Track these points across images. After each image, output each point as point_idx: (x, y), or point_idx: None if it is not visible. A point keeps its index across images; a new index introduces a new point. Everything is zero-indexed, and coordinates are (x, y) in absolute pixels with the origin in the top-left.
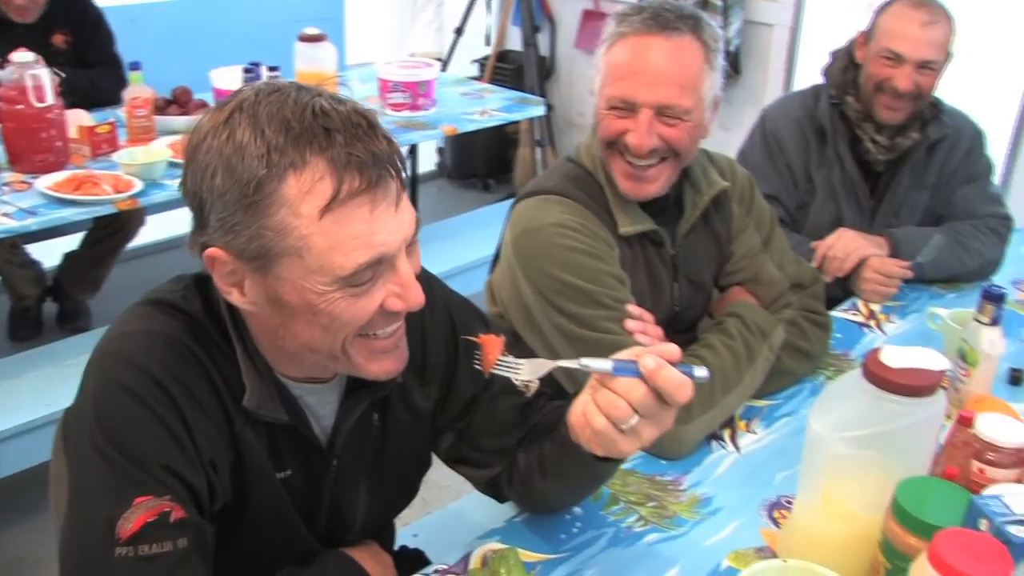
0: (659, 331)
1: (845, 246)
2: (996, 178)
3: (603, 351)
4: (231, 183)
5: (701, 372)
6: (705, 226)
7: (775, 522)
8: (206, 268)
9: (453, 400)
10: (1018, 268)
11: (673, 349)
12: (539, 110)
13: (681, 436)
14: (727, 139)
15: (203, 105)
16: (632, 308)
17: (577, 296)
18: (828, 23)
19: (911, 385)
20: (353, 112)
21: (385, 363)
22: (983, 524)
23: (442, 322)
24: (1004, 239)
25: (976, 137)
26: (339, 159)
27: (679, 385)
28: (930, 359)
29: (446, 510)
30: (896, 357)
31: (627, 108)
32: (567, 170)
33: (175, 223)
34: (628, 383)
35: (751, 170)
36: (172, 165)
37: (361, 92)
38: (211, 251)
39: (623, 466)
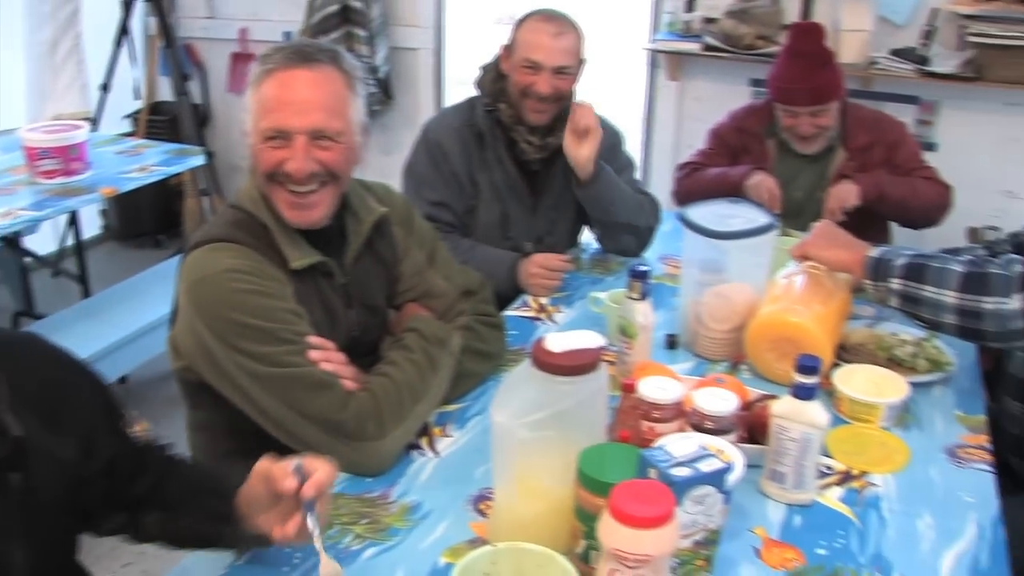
0: (341, 357)
1: None
2: (638, 173)
3: (291, 384)
4: None
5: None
6: (371, 252)
7: (482, 513)
8: None
9: (94, 455)
10: (665, 245)
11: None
12: (199, 159)
13: (380, 451)
14: (389, 163)
15: None
16: (313, 339)
17: (258, 336)
18: (469, 42)
19: (573, 365)
20: None
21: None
22: (652, 473)
23: (88, 380)
24: (657, 209)
25: (616, 137)
26: None
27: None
28: (587, 339)
29: None
30: (558, 343)
31: (282, 137)
32: (230, 216)
33: None
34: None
35: (418, 180)
36: None
37: (4, 163)
38: None
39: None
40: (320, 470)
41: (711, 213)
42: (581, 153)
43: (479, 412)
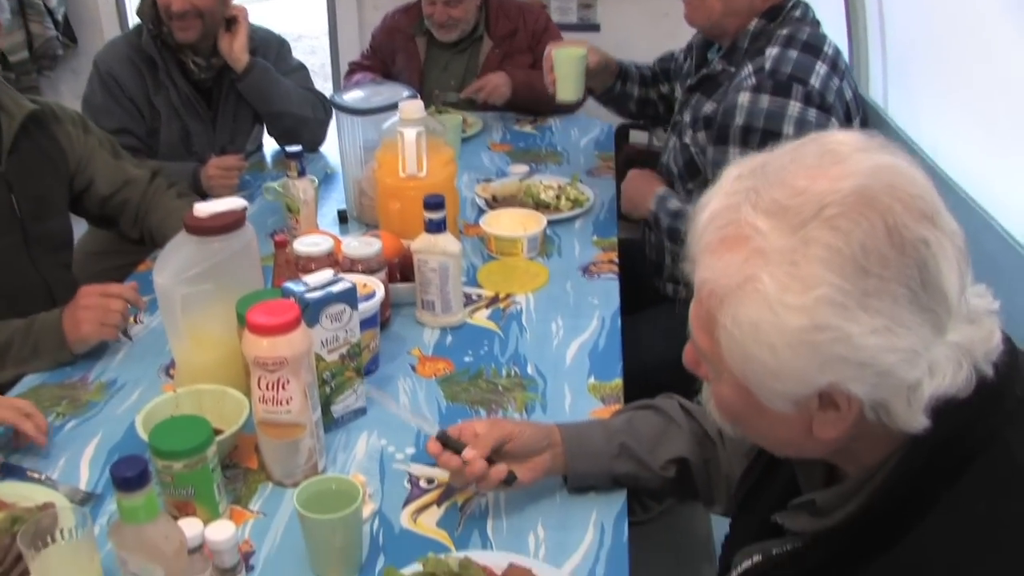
0: None
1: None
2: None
3: None
4: None
5: None
6: (33, 147)
7: (172, 377)
8: None
9: None
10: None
11: None
12: None
13: None
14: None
15: None
16: None
17: None
18: None
19: (219, 225)
20: None
21: None
22: (291, 299)
23: None
24: (326, 105)
25: (280, 45)
26: None
27: None
28: (231, 204)
29: None
30: (205, 209)
31: None
32: None
33: None
34: None
35: (96, 111)
36: None
37: None
38: None
39: (33, 384)
40: None
41: (359, 95)
42: (232, 46)
43: None
